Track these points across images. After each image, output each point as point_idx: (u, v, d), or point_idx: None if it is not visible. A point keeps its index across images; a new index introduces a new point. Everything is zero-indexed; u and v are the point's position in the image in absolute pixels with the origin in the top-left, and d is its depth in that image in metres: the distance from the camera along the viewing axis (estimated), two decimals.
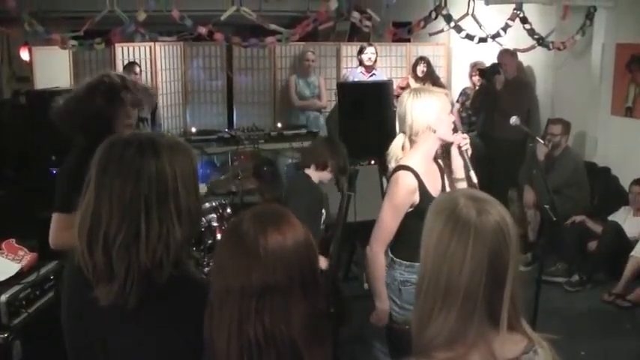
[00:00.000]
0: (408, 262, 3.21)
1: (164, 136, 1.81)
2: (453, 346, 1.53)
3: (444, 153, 3.36)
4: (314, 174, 4.36)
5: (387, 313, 3.25)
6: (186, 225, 1.73)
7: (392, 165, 3.27)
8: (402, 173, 3.14)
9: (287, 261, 1.54)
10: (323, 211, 4.29)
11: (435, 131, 3.16)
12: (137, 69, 7.51)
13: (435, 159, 3.32)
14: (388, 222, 3.17)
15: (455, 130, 3.25)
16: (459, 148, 3.23)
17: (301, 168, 4.47)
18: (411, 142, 3.23)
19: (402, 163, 3.19)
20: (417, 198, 3.13)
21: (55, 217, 2.96)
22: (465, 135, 3.30)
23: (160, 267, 1.67)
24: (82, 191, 1.75)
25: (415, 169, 3.15)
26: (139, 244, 1.65)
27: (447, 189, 3.28)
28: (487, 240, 1.53)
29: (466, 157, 3.23)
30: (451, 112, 3.30)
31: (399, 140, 3.27)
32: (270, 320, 1.51)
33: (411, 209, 3.15)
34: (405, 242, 3.20)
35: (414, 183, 3.12)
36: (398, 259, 3.23)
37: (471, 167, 3.21)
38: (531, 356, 1.60)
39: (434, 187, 3.22)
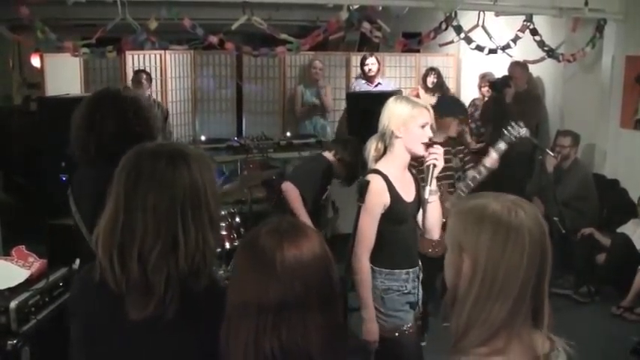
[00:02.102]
0: (387, 270, 3.30)
1: (188, 147, 1.82)
2: (490, 342, 1.56)
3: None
4: (329, 155, 4.93)
5: (375, 324, 3.26)
6: (216, 233, 1.76)
7: (368, 163, 3.38)
8: (369, 177, 3.23)
9: (304, 276, 1.52)
10: (328, 187, 4.62)
11: (398, 137, 3.23)
12: (144, 76, 7.54)
13: (410, 169, 3.40)
14: (366, 226, 3.23)
15: (430, 145, 3.25)
16: (425, 161, 3.26)
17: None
18: (384, 144, 3.31)
19: (373, 167, 3.29)
20: (387, 199, 3.21)
21: None
22: (437, 149, 3.26)
23: (197, 275, 1.68)
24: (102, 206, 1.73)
25: (385, 172, 3.24)
26: (177, 253, 1.65)
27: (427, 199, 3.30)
28: (537, 241, 1.58)
29: (430, 172, 3.23)
30: (431, 127, 3.29)
31: (373, 139, 3.37)
32: (287, 335, 1.50)
33: (382, 212, 3.23)
34: (382, 249, 3.28)
35: (382, 184, 3.21)
36: (377, 268, 3.29)
37: (428, 184, 3.21)
38: (557, 354, 1.64)
39: (406, 195, 3.30)
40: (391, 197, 3.22)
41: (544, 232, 1.61)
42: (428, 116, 3.24)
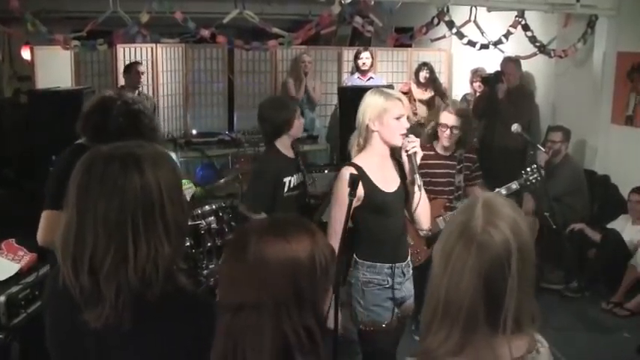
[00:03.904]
0: (369, 263, 3.30)
1: (145, 147, 1.71)
2: (460, 355, 1.53)
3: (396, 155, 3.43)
4: (280, 142, 4.23)
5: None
6: (175, 238, 1.67)
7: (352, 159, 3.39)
8: (342, 169, 3.27)
9: (278, 276, 1.49)
10: (288, 179, 4.09)
11: (373, 131, 3.25)
12: (141, 68, 7.52)
13: (394, 158, 3.40)
14: (335, 215, 3.22)
15: (405, 135, 3.27)
16: (407, 151, 3.28)
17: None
18: (363, 139, 3.32)
19: (352, 160, 3.31)
20: (360, 190, 3.17)
21: (45, 215, 2.97)
22: (413, 138, 3.30)
23: (150, 285, 1.61)
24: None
25: (361, 164, 3.26)
26: (127, 265, 1.58)
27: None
28: (485, 260, 1.50)
29: (413, 160, 3.26)
30: (407, 119, 3.31)
31: (354, 136, 3.38)
32: (250, 338, 1.48)
33: (358, 203, 3.21)
34: (364, 240, 3.30)
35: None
36: (360, 260, 3.30)
37: (416, 170, 3.25)
38: (534, 355, 1.61)
39: (386, 184, 3.31)
40: (366, 188, 3.21)
41: (506, 254, 1.50)
42: (402, 107, 3.26)
